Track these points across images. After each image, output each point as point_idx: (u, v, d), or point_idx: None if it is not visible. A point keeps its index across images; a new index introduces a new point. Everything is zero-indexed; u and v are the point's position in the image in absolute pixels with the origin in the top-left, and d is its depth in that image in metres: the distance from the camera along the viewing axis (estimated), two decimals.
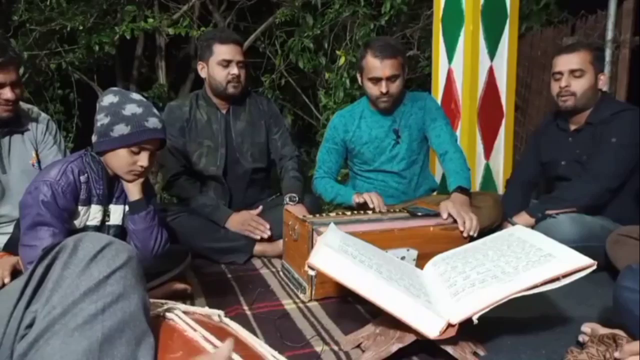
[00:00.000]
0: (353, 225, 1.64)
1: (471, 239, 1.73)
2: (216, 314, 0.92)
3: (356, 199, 1.95)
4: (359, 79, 2.12)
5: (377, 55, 1.96)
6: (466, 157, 2.10)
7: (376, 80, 2.00)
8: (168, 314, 0.87)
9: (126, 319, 0.70)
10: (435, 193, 2.32)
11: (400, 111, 2.14)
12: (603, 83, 2.00)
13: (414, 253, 1.65)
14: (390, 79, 1.99)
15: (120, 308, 0.70)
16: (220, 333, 0.83)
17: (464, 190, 1.88)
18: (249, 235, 2.01)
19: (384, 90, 1.99)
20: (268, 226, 2.02)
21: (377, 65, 1.97)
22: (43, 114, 1.87)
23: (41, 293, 0.70)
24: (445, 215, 1.74)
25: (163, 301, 0.89)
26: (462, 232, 1.71)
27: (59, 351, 0.65)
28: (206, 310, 0.93)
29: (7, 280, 1.44)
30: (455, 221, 1.73)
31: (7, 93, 1.61)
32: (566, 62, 1.97)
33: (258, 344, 0.85)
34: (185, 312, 0.88)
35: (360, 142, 2.16)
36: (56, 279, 0.70)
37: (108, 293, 0.70)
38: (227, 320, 0.93)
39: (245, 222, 2.02)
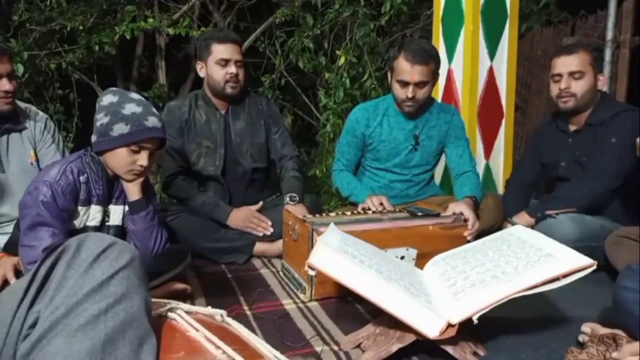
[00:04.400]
0: (353, 225, 1.64)
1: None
2: (218, 314, 0.92)
3: (360, 207, 1.94)
4: (388, 77, 2.09)
5: (409, 59, 1.92)
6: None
7: (404, 84, 1.97)
8: (170, 314, 0.87)
9: (129, 319, 0.70)
10: None
11: (425, 118, 2.12)
12: (602, 84, 2.01)
13: (413, 252, 1.65)
14: (419, 84, 1.96)
15: (122, 309, 0.70)
16: (223, 333, 0.83)
17: (474, 201, 1.89)
18: (250, 233, 2.01)
19: (410, 95, 1.96)
20: (270, 223, 2.02)
21: (408, 69, 1.93)
22: (41, 113, 1.88)
23: (44, 293, 0.70)
24: (451, 212, 1.76)
25: (166, 301, 0.90)
26: (468, 229, 1.74)
27: (62, 351, 0.65)
28: (208, 310, 0.93)
29: (11, 279, 1.45)
30: (454, 220, 1.75)
31: (5, 84, 1.62)
32: (565, 64, 1.97)
33: (260, 344, 0.85)
34: (187, 312, 0.88)
35: (378, 139, 2.14)
36: (59, 280, 0.70)
37: (111, 293, 0.70)
38: (229, 320, 0.93)
39: (247, 219, 2.02)
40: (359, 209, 1.92)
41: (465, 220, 1.76)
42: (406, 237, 1.66)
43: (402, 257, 1.64)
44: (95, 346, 0.66)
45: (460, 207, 1.79)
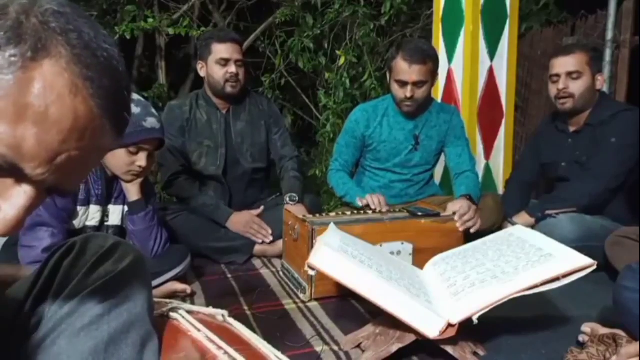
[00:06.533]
0: (352, 225, 1.64)
1: (468, 236, 1.75)
2: (220, 314, 0.92)
3: (359, 202, 1.95)
4: (387, 77, 2.10)
5: (406, 59, 1.93)
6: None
7: (402, 84, 1.98)
8: (172, 314, 0.87)
9: (132, 320, 0.70)
10: None
11: (424, 118, 2.13)
12: (601, 84, 2.01)
13: (409, 247, 1.66)
14: (417, 84, 1.97)
15: (126, 309, 0.70)
16: (224, 333, 0.83)
17: (470, 198, 1.90)
18: (250, 238, 2.01)
19: (408, 94, 1.97)
20: (270, 231, 2.01)
21: (406, 69, 1.94)
22: None
23: (48, 293, 0.70)
24: (450, 212, 1.76)
25: (168, 301, 0.90)
26: (463, 214, 1.75)
27: (66, 351, 0.65)
28: (210, 310, 0.93)
29: None
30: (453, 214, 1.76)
31: None
32: (563, 64, 1.97)
33: (261, 344, 0.85)
34: (189, 312, 0.88)
35: (378, 140, 2.15)
36: (63, 279, 0.70)
37: (115, 294, 0.70)
38: (231, 320, 0.93)
39: (247, 224, 2.01)
40: (360, 203, 1.93)
41: (463, 215, 1.77)
42: (399, 230, 1.66)
43: (399, 252, 1.64)
44: (99, 346, 0.66)
45: (457, 205, 1.79)
